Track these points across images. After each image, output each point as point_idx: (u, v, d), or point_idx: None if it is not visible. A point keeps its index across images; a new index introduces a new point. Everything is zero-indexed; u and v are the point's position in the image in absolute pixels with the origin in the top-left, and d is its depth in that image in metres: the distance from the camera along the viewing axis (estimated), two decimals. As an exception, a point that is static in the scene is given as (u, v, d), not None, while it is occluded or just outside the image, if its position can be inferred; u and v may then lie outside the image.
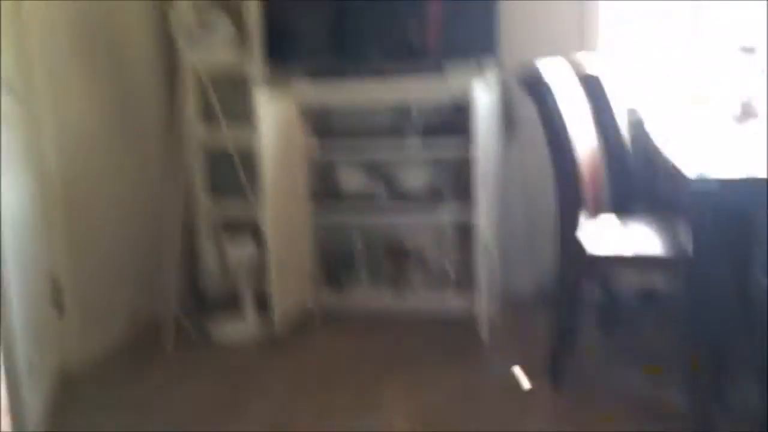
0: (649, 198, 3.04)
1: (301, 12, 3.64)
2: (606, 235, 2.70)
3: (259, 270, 3.45)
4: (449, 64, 3.45)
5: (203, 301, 3.77)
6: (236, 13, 3.59)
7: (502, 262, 3.56)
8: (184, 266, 3.71)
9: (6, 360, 2.44)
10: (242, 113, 3.61)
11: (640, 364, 2.90)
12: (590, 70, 2.96)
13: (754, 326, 2.49)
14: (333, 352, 3.27)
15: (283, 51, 3.63)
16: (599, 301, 3.22)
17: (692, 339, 2.32)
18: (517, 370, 2.92)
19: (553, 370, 2.74)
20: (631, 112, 3.28)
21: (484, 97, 3.22)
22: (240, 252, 3.50)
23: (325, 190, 3.70)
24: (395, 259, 3.72)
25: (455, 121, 3.49)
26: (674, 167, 2.23)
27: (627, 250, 2.60)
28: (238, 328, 3.45)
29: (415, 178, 3.63)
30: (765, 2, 3.33)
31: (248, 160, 3.48)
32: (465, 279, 3.53)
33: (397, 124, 3.63)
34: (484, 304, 3.27)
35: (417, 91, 3.46)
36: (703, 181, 2.10)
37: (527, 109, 2.69)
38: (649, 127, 2.97)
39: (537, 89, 2.42)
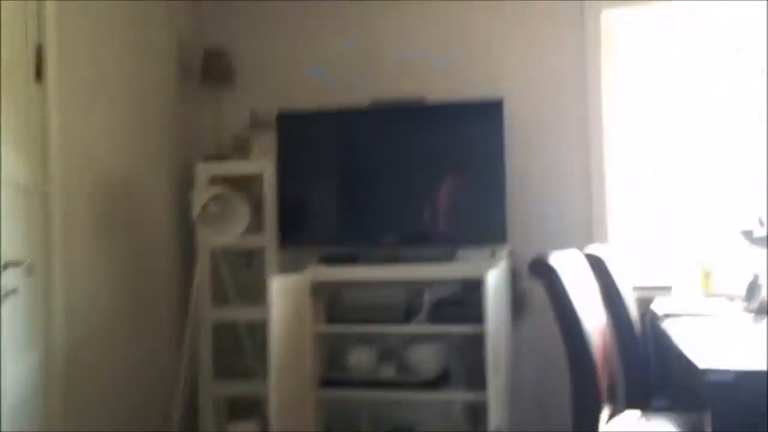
0: (666, 389, 2.98)
1: (316, 199, 3.79)
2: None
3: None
4: (460, 250, 3.52)
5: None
6: (254, 199, 3.73)
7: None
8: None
9: None
10: (254, 290, 3.66)
11: None
12: (598, 254, 3.00)
13: None
14: None
15: (298, 236, 3.74)
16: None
17: None
18: None
19: None
20: (643, 303, 3.28)
21: (494, 279, 3.25)
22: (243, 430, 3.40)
23: (333, 367, 3.65)
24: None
25: (466, 299, 3.50)
26: (688, 360, 2.20)
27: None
28: None
29: (424, 356, 3.58)
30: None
31: (256, 337, 3.47)
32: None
33: (408, 301, 3.64)
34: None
35: (428, 273, 3.50)
36: (719, 373, 2.06)
37: (537, 291, 2.70)
38: (662, 319, 2.96)
39: (548, 279, 2.44)
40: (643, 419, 2.77)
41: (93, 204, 3.30)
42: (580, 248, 2.86)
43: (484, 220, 3.53)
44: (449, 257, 3.53)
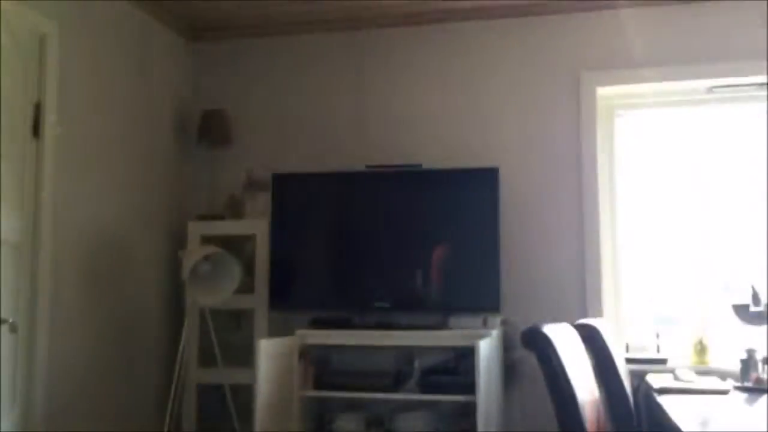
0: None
1: (308, 261, 3.77)
2: None
3: None
4: (452, 317, 3.48)
5: None
6: (246, 259, 3.70)
7: None
8: None
9: None
10: (242, 352, 3.60)
11: None
12: (592, 324, 2.98)
13: None
14: None
15: (290, 298, 3.70)
16: None
17: None
18: None
19: None
20: (637, 377, 3.24)
21: (486, 348, 3.21)
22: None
23: (319, 434, 3.57)
24: None
25: (457, 367, 3.45)
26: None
27: None
28: None
29: (413, 424, 3.50)
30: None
31: (242, 399, 3.40)
32: None
33: (398, 367, 3.59)
34: None
35: (420, 340, 3.46)
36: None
37: (529, 362, 2.66)
38: (657, 392, 2.92)
39: (542, 349, 2.41)
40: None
41: (82, 262, 3.27)
42: (574, 320, 2.83)
43: (477, 288, 3.50)
44: (441, 324, 3.49)
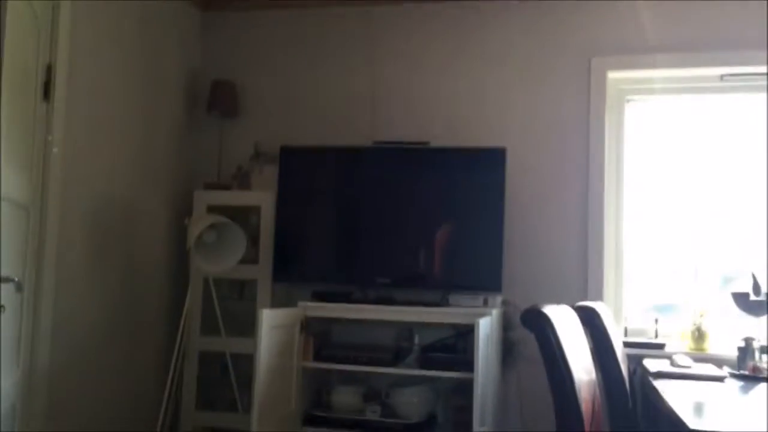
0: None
1: (313, 235, 3.80)
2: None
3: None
4: (453, 296, 3.50)
5: None
6: (251, 230, 3.72)
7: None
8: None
9: None
10: (244, 321, 3.63)
11: None
12: (592, 306, 2.99)
13: None
14: None
15: (293, 270, 3.73)
16: None
17: None
18: None
19: None
20: (634, 360, 3.27)
21: (486, 327, 3.24)
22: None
23: (317, 405, 3.61)
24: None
25: (456, 345, 3.48)
26: (679, 419, 2.18)
27: None
28: None
29: (411, 399, 3.54)
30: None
31: (243, 368, 3.44)
32: None
33: (398, 343, 3.62)
34: None
35: (420, 316, 3.48)
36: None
37: (528, 342, 2.68)
38: (653, 376, 2.94)
39: (541, 330, 2.43)
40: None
41: (89, 224, 3.30)
42: (575, 302, 2.85)
43: (479, 267, 3.52)
44: (442, 302, 3.52)
